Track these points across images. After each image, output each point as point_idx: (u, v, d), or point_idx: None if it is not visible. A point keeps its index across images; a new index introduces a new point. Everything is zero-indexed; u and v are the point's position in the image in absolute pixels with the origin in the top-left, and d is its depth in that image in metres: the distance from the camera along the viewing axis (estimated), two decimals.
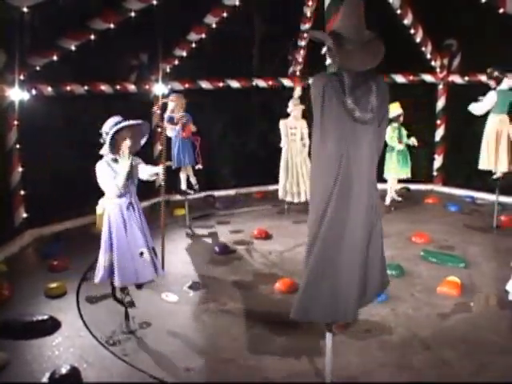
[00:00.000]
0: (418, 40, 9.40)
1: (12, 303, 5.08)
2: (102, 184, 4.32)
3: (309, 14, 9.64)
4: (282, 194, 8.42)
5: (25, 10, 6.10)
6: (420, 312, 4.82)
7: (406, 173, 8.66)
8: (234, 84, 10.14)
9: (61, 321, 4.66)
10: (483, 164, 7.43)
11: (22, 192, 7.28)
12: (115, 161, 4.35)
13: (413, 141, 8.48)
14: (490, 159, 7.30)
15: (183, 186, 7.94)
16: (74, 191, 7.83)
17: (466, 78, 9.70)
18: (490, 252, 6.47)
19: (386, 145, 8.33)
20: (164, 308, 5.04)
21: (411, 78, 10.09)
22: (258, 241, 7.11)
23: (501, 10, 7.57)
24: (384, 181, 8.64)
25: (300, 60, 10.59)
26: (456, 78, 9.87)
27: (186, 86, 9.74)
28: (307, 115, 8.22)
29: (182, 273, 5.91)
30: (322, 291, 3.22)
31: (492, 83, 7.31)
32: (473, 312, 4.83)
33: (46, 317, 4.63)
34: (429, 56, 9.82)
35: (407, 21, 8.98)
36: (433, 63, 9.93)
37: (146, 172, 4.51)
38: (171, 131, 7.51)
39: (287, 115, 8.60)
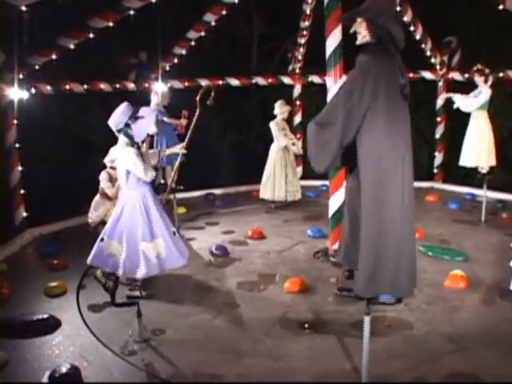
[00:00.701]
0: (417, 37, 9.39)
1: (12, 302, 5.07)
2: (138, 170, 4.45)
3: (308, 12, 9.63)
4: (271, 194, 8.49)
5: (23, 8, 6.09)
6: (434, 306, 4.85)
7: None
8: (234, 82, 10.12)
9: (61, 320, 4.65)
10: (465, 161, 7.63)
11: (22, 191, 7.28)
12: (138, 148, 4.56)
13: None
14: (474, 156, 7.49)
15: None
16: (74, 190, 7.84)
17: (466, 75, 9.67)
18: (485, 245, 6.58)
19: None
20: (175, 313, 4.86)
21: (411, 75, 10.05)
22: (254, 241, 7.01)
23: (500, 7, 7.56)
24: None
25: (300, 58, 10.57)
26: (456, 75, 9.86)
27: (186, 84, 9.72)
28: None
29: (184, 275, 5.78)
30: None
31: (481, 80, 7.47)
32: (484, 304, 4.93)
33: (46, 316, 4.62)
34: (428, 53, 9.81)
35: (407, 18, 8.97)
36: (433, 60, 9.92)
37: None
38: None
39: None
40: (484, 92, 7.40)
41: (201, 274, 5.85)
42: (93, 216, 5.96)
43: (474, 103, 7.49)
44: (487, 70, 7.52)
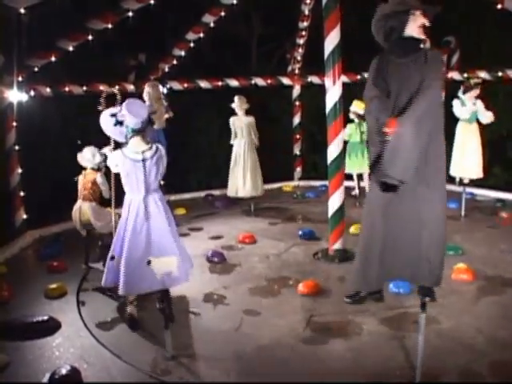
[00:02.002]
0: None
1: (12, 304, 5.07)
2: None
3: (307, 12, 9.65)
4: (235, 190, 8.45)
5: (22, 11, 6.10)
6: (450, 299, 4.87)
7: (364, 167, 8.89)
8: (233, 83, 10.13)
9: (61, 321, 4.65)
10: (453, 171, 7.71)
11: (22, 193, 7.28)
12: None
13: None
14: (460, 166, 7.60)
15: None
16: (74, 192, 7.82)
17: (465, 75, 9.68)
18: (472, 239, 6.76)
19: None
20: (195, 326, 4.62)
21: None
22: (247, 245, 6.88)
23: (499, 6, 7.57)
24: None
25: (298, 58, 10.58)
26: (455, 75, 9.85)
27: (185, 85, 9.73)
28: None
29: (187, 286, 5.43)
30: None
31: (474, 93, 7.46)
32: (496, 293, 5.02)
33: (46, 317, 4.62)
34: None
35: None
36: None
37: None
38: None
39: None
40: (478, 104, 7.45)
41: (206, 283, 5.62)
42: (99, 224, 5.84)
43: (463, 112, 7.50)
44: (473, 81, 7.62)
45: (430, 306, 4.60)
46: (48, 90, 7.90)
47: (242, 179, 8.35)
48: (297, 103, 10.85)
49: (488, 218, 7.83)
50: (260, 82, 10.40)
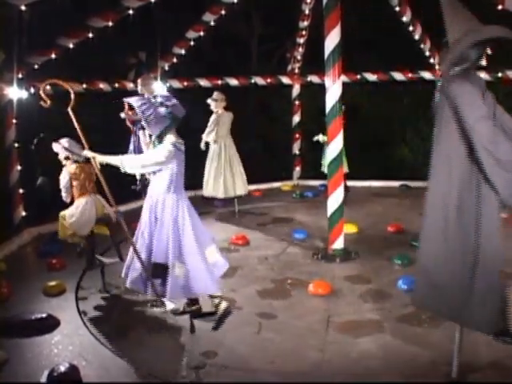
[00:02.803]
0: (416, 37, 9.40)
1: (11, 301, 5.07)
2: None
3: (307, 12, 9.65)
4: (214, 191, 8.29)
5: (23, 8, 6.09)
6: None
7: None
8: (233, 82, 10.13)
9: (60, 319, 4.64)
10: None
11: (21, 191, 7.28)
12: None
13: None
14: None
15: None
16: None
17: None
18: None
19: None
20: (215, 332, 4.45)
21: (410, 75, 10.09)
22: (241, 247, 6.77)
23: (499, 7, 7.56)
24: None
25: (298, 58, 10.58)
26: None
27: (185, 83, 9.73)
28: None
29: None
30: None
31: None
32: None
33: (44, 315, 4.61)
34: (428, 53, 9.82)
35: (406, 18, 8.98)
36: (432, 60, 9.93)
37: None
38: None
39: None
40: None
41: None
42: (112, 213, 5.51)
43: None
44: None
45: None
46: (48, 87, 7.88)
47: (230, 178, 8.27)
48: (296, 102, 10.85)
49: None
50: (260, 81, 10.40)
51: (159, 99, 4.14)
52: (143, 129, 6.87)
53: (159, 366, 3.89)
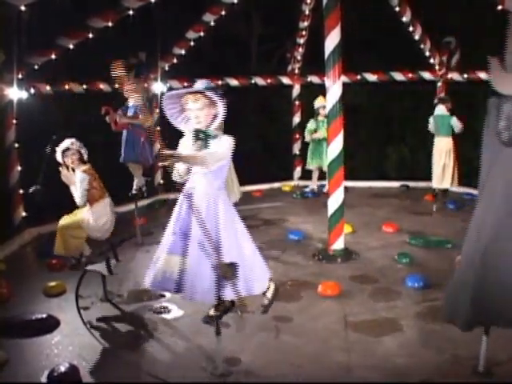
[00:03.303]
0: (416, 37, 9.40)
1: (11, 302, 5.06)
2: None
3: (307, 12, 9.65)
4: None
5: (22, 8, 6.10)
6: None
7: (319, 164, 9.17)
8: (233, 82, 10.13)
9: (60, 319, 4.64)
10: (434, 183, 8.49)
11: (21, 191, 7.28)
12: None
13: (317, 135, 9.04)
14: (439, 178, 8.31)
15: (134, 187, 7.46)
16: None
17: (465, 76, 9.69)
18: (450, 231, 6.96)
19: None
20: (236, 337, 4.30)
21: (410, 75, 10.09)
22: None
23: (499, 7, 7.57)
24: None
25: (299, 58, 10.58)
26: (455, 76, 9.87)
27: (185, 84, 9.73)
28: None
29: None
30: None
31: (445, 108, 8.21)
32: None
33: (45, 315, 4.62)
34: (428, 53, 9.82)
35: (406, 18, 8.98)
36: (432, 61, 9.93)
37: None
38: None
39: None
40: (454, 118, 8.09)
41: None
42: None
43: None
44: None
45: None
46: (48, 87, 7.90)
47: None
48: (296, 103, 10.85)
49: None
50: (260, 81, 10.40)
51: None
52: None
53: (178, 373, 3.80)
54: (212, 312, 4.16)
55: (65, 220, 5.53)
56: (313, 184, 9.74)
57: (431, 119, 8.38)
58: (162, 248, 3.80)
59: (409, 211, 8.41)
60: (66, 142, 5.37)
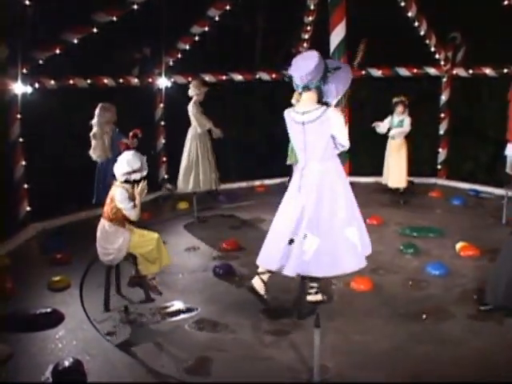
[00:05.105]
0: (421, 33, 9.34)
1: (16, 296, 5.08)
2: (342, 135, 3.67)
3: (312, 7, 9.61)
4: (196, 184, 7.93)
5: (27, 3, 6.09)
6: (487, 272, 5.13)
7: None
8: (237, 77, 10.11)
9: (64, 314, 4.66)
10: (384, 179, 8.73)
11: (26, 185, 7.29)
12: None
13: None
14: (388, 175, 8.54)
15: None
16: (77, 185, 7.84)
17: (471, 71, 9.64)
18: (437, 222, 7.29)
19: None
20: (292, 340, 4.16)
21: (415, 71, 10.03)
22: (236, 253, 6.27)
23: (505, 2, 7.53)
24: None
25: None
26: (460, 71, 9.81)
27: (189, 79, 9.71)
28: None
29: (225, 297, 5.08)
30: None
31: (401, 110, 8.39)
32: None
33: (49, 310, 4.64)
34: (433, 49, 9.76)
35: (411, 13, 8.93)
36: (437, 56, 9.87)
37: None
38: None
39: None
40: (407, 121, 8.32)
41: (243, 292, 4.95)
42: (111, 251, 4.73)
43: (405, 130, 8.38)
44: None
45: (465, 278, 5.36)
46: (52, 82, 7.89)
47: (194, 172, 7.94)
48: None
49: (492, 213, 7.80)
50: (264, 76, 10.37)
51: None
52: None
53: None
54: (311, 297, 4.02)
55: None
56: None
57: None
58: (287, 229, 3.63)
59: (399, 207, 8.41)
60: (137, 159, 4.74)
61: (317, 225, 3.58)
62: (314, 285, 3.91)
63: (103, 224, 4.76)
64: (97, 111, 6.81)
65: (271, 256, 3.74)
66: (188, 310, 4.76)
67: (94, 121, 6.82)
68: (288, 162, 8.59)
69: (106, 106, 6.87)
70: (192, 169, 7.95)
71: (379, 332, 4.28)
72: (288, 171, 8.55)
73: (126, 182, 4.67)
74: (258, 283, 4.11)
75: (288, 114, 3.69)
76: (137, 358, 3.95)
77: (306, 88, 3.61)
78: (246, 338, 4.23)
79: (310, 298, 4.18)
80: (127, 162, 4.63)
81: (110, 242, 4.70)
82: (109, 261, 4.79)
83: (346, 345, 4.08)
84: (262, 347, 4.09)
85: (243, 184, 10.23)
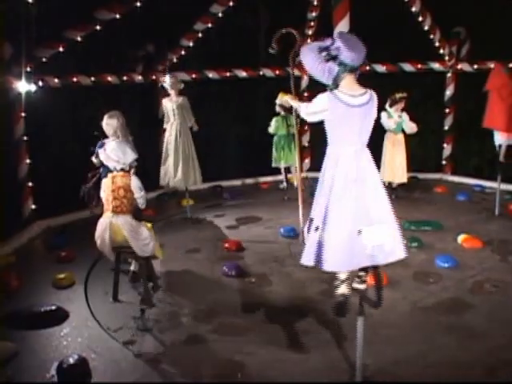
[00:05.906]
0: (426, 28, 9.30)
1: (21, 294, 5.09)
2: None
3: (315, 3, 9.58)
4: (167, 179, 7.65)
5: (30, 1, 6.09)
6: (493, 262, 5.57)
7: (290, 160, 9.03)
8: (241, 74, 10.09)
9: (69, 311, 4.68)
10: (383, 176, 8.34)
11: (30, 184, 7.31)
12: None
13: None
14: (389, 172, 8.34)
15: None
16: (82, 182, 7.84)
17: (475, 66, 9.59)
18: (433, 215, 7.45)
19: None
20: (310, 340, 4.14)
21: (419, 66, 9.99)
22: (238, 253, 6.22)
23: None
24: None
25: None
26: (465, 66, 9.77)
27: (193, 76, 9.71)
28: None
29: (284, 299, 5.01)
30: None
31: (400, 106, 8.26)
32: None
33: (54, 307, 4.66)
34: (437, 44, 9.72)
35: (415, 8, 8.89)
36: (441, 51, 9.83)
37: None
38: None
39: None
40: (407, 116, 8.26)
41: (288, 291, 5.11)
42: (147, 240, 4.64)
43: (414, 125, 8.26)
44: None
45: (473, 269, 5.50)
46: (56, 80, 7.91)
47: (173, 168, 7.54)
48: (305, 94, 10.78)
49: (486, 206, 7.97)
50: (268, 72, 10.35)
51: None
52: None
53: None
54: (357, 285, 3.79)
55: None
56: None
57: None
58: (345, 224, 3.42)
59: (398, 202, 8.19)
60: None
61: (378, 214, 3.46)
62: (363, 274, 3.74)
63: (125, 219, 4.56)
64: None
65: (343, 258, 3.45)
66: (199, 312, 4.71)
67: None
68: (275, 165, 8.63)
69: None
70: (189, 164, 7.64)
71: (406, 325, 4.33)
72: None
73: (122, 170, 4.66)
74: (345, 290, 3.71)
75: (336, 98, 3.37)
76: (142, 355, 3.96)
77: (356, 69, 3.44)
78: (273, 339, 4.14)
79: (355, 285, 3.85)
80: (130, 150, 4.68)
81: (141, 232, 4.61)
82: (149, 250, 4.67)
83: (377, 340, 4.00)
84: (293, 348, 4.04)
85: (248, 181, 10.24)
